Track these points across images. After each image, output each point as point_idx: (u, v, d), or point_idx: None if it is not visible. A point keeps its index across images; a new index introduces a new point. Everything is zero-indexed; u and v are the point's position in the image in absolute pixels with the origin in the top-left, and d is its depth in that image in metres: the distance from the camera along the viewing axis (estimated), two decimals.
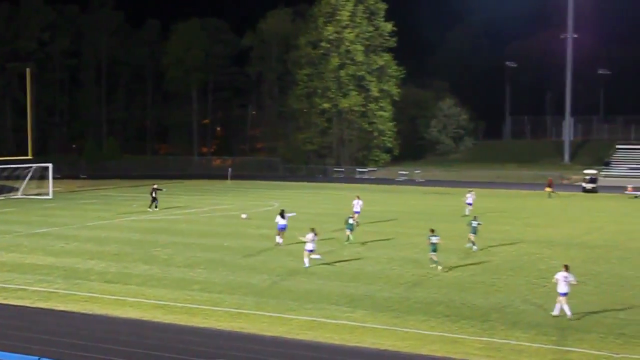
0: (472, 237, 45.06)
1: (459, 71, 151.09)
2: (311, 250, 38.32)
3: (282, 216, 45.94)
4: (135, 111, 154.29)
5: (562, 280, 28.70)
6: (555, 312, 28.72)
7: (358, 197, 57.47)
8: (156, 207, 65.54)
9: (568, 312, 28.38)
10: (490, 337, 25.69)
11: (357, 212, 55.53)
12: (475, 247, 44.76)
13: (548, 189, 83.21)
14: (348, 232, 47.77)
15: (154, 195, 66.05)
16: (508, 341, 25.27)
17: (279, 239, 45.42)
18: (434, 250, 37.87)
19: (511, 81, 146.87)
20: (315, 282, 34.36)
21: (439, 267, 37.42)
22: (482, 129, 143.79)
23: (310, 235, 38.38)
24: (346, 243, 46.79)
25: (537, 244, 46.67)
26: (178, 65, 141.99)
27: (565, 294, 28.64)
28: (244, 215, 60.23)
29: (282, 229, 45.70)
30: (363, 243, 46.10)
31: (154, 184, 68.48)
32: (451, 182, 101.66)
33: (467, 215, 61.55)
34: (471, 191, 67.04)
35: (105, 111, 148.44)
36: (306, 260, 38.15)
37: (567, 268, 29.09)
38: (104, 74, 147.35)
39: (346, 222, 48.51)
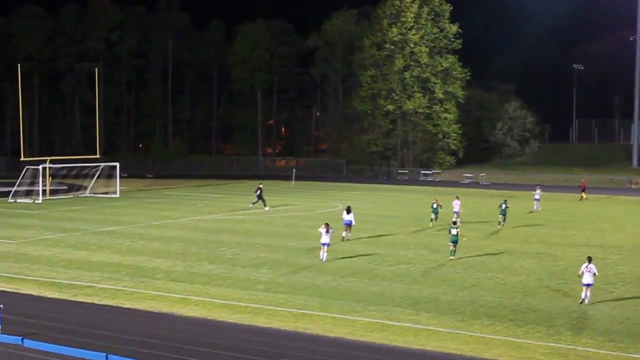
0: (500, 218, 55.81)
1: (524, 73, 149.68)
2: (327, 244, 39.82)
3: (348, 212, 47.64)
4: (200, 111, 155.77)
5: (586, 272, 30.80)
6: (582, 298, 31.05)
7: (457, 198, 59.15)
8: (265, 205, 66.96)
9: (586, 300, 30.86)
10: (556, 343, 25.38)
11: (456, 212, 56.97)
12: (499, 226, 55.37)
13: (583, 194, 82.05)
14: (433, 216, 56.19)
15: (258, 194, 67.52)
16: (575, 347, 24.95)
17: (345, 234, 47.42)
18: (454, 242, 41.18)
19: (578, 84, 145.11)
20: (379, 284, 34.31)
21: (452, 257, 40.98)
22: (549, 132, 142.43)
23: (323, 229, 39.83)
24: (430, 225, 55.18)
25: (605, 249, 46.02)
26: (243, 65, 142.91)
27: (589, 285, 30.91)
28: (266, 208, 64.68)
29: (348, 225, 47.67)
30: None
31: (260, 184, 69.97)
32: (517, 186, 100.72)
33: (533, 212, 67.14)
34: (538, 187, 71.81)
35: (171, 111, 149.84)
36: (322, 253, 40.01)
37: (590, 260, 31.33)
38: (170, 74, 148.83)
39: (432, 206, 56.55)
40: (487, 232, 52.78)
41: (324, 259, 39.75)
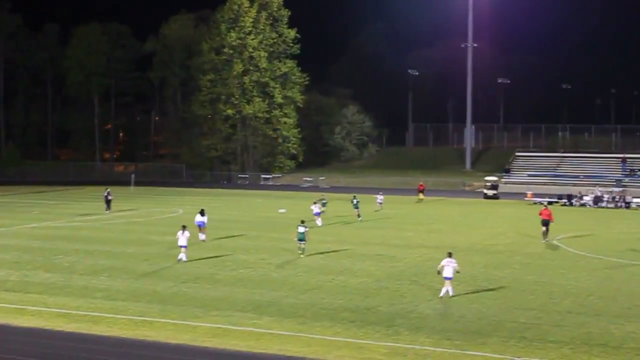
0: (356, 212, 62.67)
1: (362, 78, 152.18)
2: (184, 246, 40.98)
3: (202, 214, 49.18)
4: (35, 116, 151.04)
5: (446, 266, 32.49)
6: (442, 294, 32.66)
7: (321, 201, 62.77)
8: (109, 209, 68.19)
9: (450, 292, 32.65)
10: (396, 342, 25.89)
11: (317, 214, 59.10)
12: (360, 219, 62.06)
13: (420, 195, 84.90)
14: (323, 209, 60.89)
15: (109, 198, 68.83)
16: (413, 346, 25.52)
17: (201, 236, 48.72)
18: (301, 239, 42.92)
19: (414, 89, 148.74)
20: (220, 289, 34.18)
21: (302, 255, 42.86)
22: (386, 136, 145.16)
23: (180, 232, 41.27)
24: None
25: (440, 249, 46.96)
26: (79, 69, 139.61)
27: (450, 278, 32.66)
28: (282, 210, 68.06)
29: (201, 226, 49.08)
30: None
31: (107, 189, 70.42)
32: (356, 189, 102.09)
33: (377, 210, 71.21)
34: (381, 192, 76.42)
35: (4, 116, 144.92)
36: (180, 255, 41.08)
37: (450, 255, 33.20)
38: (2, 77, 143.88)
39: (320, 201, 61.67)
40: (328, 234, 53.36)
41: (181, 260, 40.75)
